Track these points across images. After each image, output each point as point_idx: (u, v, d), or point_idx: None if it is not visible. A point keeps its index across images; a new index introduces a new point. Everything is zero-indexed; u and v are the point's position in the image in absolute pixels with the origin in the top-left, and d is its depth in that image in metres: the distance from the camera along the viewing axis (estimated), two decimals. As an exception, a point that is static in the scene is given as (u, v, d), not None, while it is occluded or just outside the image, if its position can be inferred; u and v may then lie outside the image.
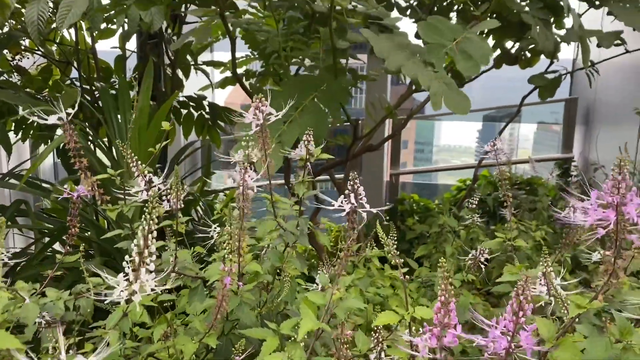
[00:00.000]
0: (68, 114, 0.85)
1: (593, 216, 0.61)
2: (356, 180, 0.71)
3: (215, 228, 1.09)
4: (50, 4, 1.70)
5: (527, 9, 1.63)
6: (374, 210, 0.73)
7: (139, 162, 0.87)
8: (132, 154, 0.87)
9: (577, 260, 1.52)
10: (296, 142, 1.39)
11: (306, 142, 0.89)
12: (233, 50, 1.58)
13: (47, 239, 1.62)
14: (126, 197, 0.87)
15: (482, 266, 1.25)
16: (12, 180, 1.76)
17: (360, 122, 3.22)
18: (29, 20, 1.62)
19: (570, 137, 3.23)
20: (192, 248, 0.99)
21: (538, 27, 1.51)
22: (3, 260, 0.92)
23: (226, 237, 0.71)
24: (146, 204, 0.60)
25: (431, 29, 1.28)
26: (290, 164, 1.91)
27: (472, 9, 1.48)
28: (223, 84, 2.51)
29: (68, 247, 0.88)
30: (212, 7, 1.56)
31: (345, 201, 0.69)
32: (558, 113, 3.53)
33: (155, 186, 0.85)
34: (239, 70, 2.61)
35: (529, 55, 2.14)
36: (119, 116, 1.84)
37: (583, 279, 1.33)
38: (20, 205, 1.62)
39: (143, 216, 0.57)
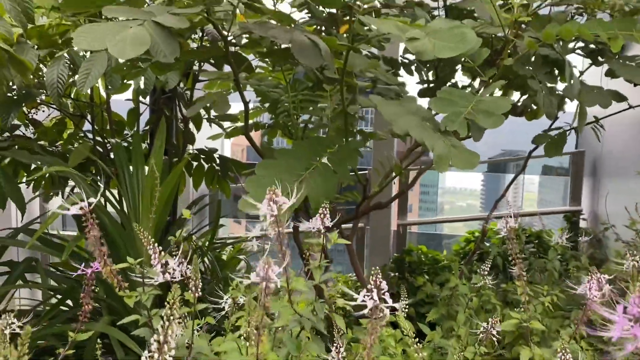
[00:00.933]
0: (90, 204, 0.87)
1: (619, 329, 0.60)
2: (379, 276, 0.71)
3: (226, 300, 1.10)
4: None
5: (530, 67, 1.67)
6: (397, 306, 0.72)
7: (156, 245, 0.88)
8: (150, 239, 0.89)
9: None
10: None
11: (322, 215, 0.90)
12: (246, 112, 1.61)
13: (57, 296, 1.63)
14: (144, 283, 0.88)
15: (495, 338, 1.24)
16: (22, 236, 1.78)
17: (368, 173, 3.25)
18: (49, 82, 1.67)
19: (578, 189, 3.24)
20: (202, 318, 1.00)
21: (543, 92, 1.55)
22: (14, 330, 0.93)
23: (244, 325, 0.72)
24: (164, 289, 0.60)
25: (443, 102, 1.31)
26: (297, 215, 1.92)
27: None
28: (232, 133, 2.55)
29: (80, 321, 0.88)
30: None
31: (368, 296, 0.69)
32: (564, 159, 3.55)
33: (173, 271, 0.86)
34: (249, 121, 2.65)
35: (534, 107, 2.18)
36: (131, 169, 1.87)
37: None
38: (30, 263, 1.63)
39: (163, 313, 0.57)
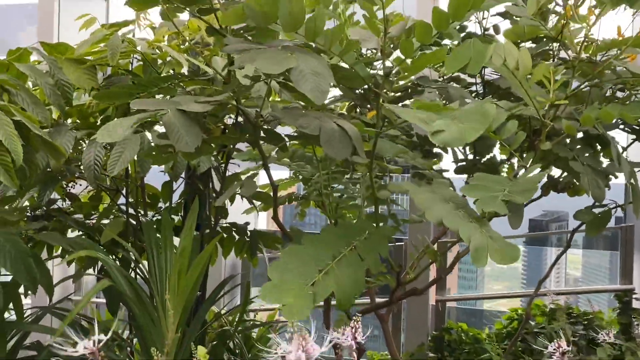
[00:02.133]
0: (99, 340, 0.83)
1: None
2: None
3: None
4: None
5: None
6: None
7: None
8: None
9: None
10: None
11: (354, 329, 0.84)
12: (275, 195, 1.59)
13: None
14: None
15: None
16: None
17: (404, 244, 3.13)
18: (86, 165, 1.70)
19: (629, 266, 3.05)
20: None
21: (588, 176, 1.47)
22: None
23: None
24: None
25: (477, 188, 1.25)
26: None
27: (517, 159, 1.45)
28: (265, 208, 2.53)
29: None
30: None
31: None
32: (609, 233, 3.38)
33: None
34: (282, 192, 2.64)
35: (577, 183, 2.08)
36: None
37: None
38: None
39: None
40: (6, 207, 1.67)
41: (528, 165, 1.42)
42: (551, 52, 1.70)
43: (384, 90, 1.24)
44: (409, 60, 1.25)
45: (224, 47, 1.10)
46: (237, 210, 2.61)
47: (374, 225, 1.48)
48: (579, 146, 1.60)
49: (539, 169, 1.51)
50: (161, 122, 1.20)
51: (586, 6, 1.63)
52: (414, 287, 1.71)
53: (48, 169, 1.98)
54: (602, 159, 1.74)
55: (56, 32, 3.66)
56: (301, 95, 1.24)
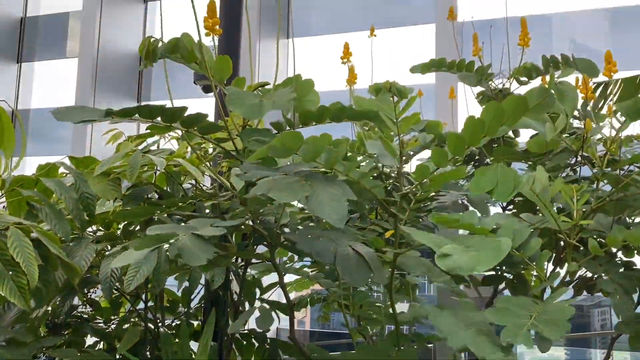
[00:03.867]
0: None
1: None
2: None
3: None
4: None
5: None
6: None
7: None
8: None
9: None
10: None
11: None
12: (291, 314, 1.54)
13: None
14: None
15: None
16: None
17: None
18: (102, 277, 1.70)
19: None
20: None
21: (618, 295, 1.39)
22: None
23: None
24: None
25: (502, 313, 1.19)
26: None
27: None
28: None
29: None
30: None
31: None
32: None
33: None
34: (303, 292, 2.58)
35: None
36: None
37: None
38: None
39: None
40: (18, 326, 1.66)
41: (555, 286, 1.36)
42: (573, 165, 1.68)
43: (402, 210, 1.22)
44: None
45: (241, 175, 1.11)
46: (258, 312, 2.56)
47: (396, 348, 1.41)
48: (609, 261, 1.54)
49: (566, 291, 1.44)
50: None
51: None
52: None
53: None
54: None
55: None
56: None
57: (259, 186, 1.07)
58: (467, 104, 2.37)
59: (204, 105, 1.78)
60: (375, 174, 1.91)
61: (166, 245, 1.70)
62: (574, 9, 5.93)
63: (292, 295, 2.44)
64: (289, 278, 2.63)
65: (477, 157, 2.11)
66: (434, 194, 1.80)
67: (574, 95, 1.45)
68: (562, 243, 1.59)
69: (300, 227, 1.44)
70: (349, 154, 1.97)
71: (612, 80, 2.76)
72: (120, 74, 7.84)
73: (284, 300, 1.92)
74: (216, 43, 1.46)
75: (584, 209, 1.41)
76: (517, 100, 1.07)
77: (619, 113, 1.42)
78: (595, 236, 1.41)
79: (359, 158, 1.97)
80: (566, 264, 1.45)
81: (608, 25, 5.92)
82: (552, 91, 1.09)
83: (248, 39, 1.76)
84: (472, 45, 2.32)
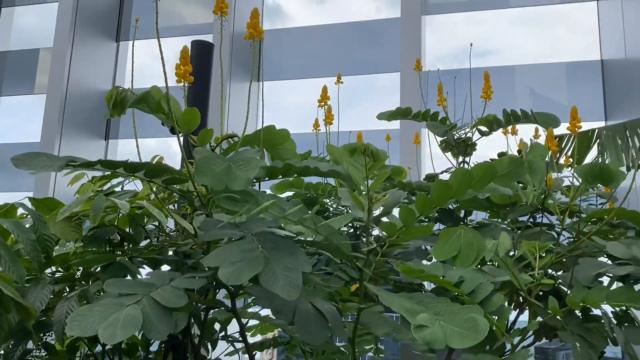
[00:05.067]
0: None
1: None
2: None
3: None
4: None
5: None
6: None
7: None
8: None
9: None
10: None
11: None
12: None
13: None
14: None
15: None
16: None
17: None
18: (56, 319, 1.64)
19: None
20: None
21: (578, 345, 1.41)
22: None
23: None
24: None
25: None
26: None
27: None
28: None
29: None
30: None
31: None
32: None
33: None
34: (268, 335, 2.54)
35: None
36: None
37: None
38: None
39: None
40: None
41: (515, 343, 1.37)
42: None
43: (368, 265, 1.22)
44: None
45: (200, 235, 1.10)
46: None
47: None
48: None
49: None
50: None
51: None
52: None
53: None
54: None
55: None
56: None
57: (209, 258, 1.03)
58: (431, 149, 2.42)
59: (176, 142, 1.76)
60: (351, 224, 1.91)
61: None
62: (534, 61, 6.21)
63: (259, 337, 2.41)
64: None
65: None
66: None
67: (543, 169, 1.48)
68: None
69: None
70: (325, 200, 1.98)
71: (567, 133, 2.88)
72: (88, 111, 7.77)
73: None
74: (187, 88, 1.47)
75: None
76: (486, 168, 1.09)
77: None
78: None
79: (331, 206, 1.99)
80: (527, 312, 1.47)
81: (565, 78, 6.21)
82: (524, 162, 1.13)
83: (220, 84, 1.78)
84: (437, 92, 2.39)
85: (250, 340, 2.49)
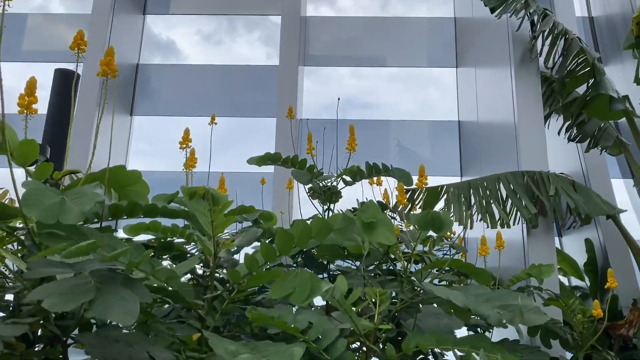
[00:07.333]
0: None
1: None
2: None
3: None
4: None
5: None
6: None
7: None
8: None
9: None
10: None
11: None
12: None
13: None
14: None
15: None
16: None
17: None
18: None
19: None
20: None
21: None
22: None
23: None
24: None
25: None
26: None
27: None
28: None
29: None
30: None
31: None
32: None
33: None
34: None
35: None
36: None
37: None
38: None
39: None
40: None
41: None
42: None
43: (211, 312, 1.19)
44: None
45: (27, 273, 1.02)
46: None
47: None
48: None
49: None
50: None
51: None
52: None
53: None
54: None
55: None
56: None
57: (35, 292, 0.96)
58: (300, 196, 2.47)
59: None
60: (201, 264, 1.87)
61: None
62: (405, 118, 6.67)
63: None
64: None
65: (304, 250, 2.18)
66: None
67: (378, 227, 1.57)
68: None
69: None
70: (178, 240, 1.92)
71: (419, 188, 3.09)
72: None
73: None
74: (34, 118, 1.38)
75: (389, 309, 1.50)
76: (323, 222, 1.18)
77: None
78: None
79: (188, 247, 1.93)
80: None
81: (431, 135, 6.75)
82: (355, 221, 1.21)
83: (90, 115, 1.69)
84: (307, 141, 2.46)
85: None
